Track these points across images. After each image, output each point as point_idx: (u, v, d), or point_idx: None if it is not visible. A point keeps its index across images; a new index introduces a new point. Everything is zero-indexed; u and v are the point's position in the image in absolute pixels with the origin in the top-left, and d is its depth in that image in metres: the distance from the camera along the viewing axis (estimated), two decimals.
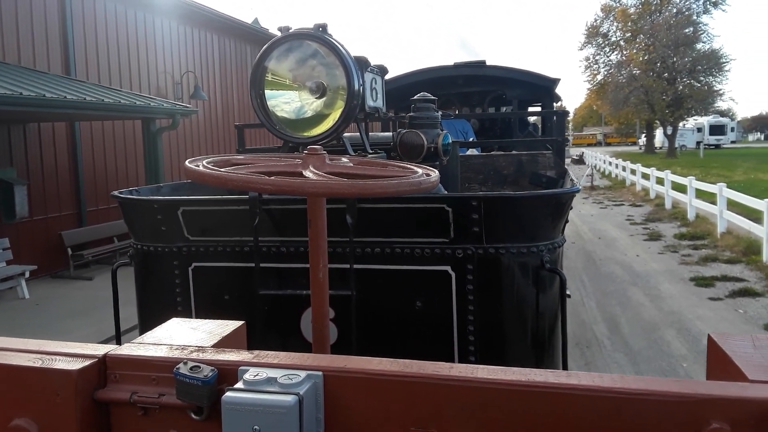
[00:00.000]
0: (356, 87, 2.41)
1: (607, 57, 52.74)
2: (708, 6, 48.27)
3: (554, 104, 8.09)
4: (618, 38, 51.60)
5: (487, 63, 7.72)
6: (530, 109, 8.82)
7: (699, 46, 46.30)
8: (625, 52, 50.24)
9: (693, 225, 14.78)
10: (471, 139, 6.77)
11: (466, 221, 2.31)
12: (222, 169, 1.60)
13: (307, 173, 1.63)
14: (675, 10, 47.52)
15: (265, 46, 2.48)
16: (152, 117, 8.85)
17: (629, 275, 10.28)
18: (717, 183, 14.19)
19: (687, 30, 45.12)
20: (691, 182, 15.41)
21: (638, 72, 45.89)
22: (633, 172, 24.98)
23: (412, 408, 1.05)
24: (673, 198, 17.81)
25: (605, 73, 52.39)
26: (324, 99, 2.47)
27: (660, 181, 19.68)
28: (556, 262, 2.51)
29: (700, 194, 15.77)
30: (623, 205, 20.22)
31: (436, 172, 1.82)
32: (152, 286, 2.84)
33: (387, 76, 3.12)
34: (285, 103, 2.54)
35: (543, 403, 0.99)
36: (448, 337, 2.39)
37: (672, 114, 45.51)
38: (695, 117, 55.86)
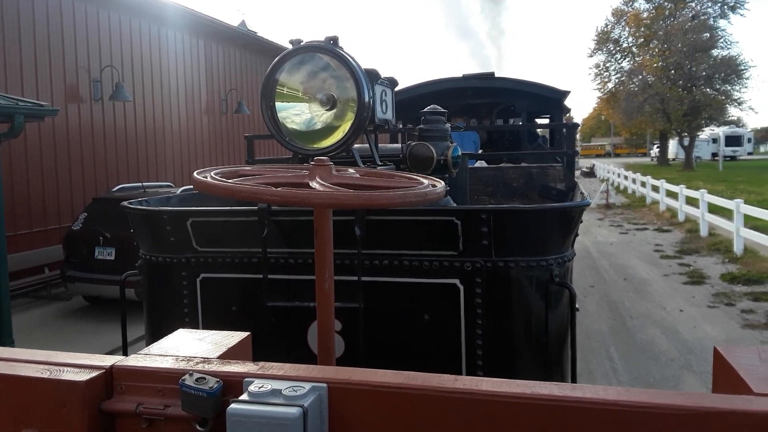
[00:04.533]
0: (366, 99, 2.43)
1: (619, 64, 50.01)
2: (725, 10, 45.52)
3: (563, 116, 8.03)
4: (630, 44, 48.82)
5: (496, 74, 7.72)
6: (539, 120, 8.67)
7: (716, 52, 43.59)
8: (637, 59, 47.40)
9: (743, 261, 11.61)
10: (480, 152, 6.87)
11: (476, 234, 2.28)
12: (229, 181, 1.61)
13: (314, 184, 1.64)
14: (691, 14, 44.65)
15: (276, 59, 2.51)
16: None
17: (677, 348, 7.21)
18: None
19: (704, 35, 42.39)
20: (739, 206, 12.16)
21: (652, 79, 43.00)
22: (655, 188, 21.70)
23: (417, 420, 1.05)
24: (709, 223, 14.64)
25: (616, 80, 49.72)
26: (334, 111, 2.48)
27: (692, 201, 16.51)
28: (565, 276, 2.48)
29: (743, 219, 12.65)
30: (647, 229, 16.99)
31: (442, 183, 1.81)
32: (160, 296, 2.83)
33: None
34: (295, 114, 2.55)
35: (548, 416, 0.99)
36: (456, 351, 2.35)
37: (689, 124, 42.51)
38: (711, 128, 53.00)
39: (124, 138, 12.83)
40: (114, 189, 10.03)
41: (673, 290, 9.98)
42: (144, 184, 10.01)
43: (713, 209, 14.79)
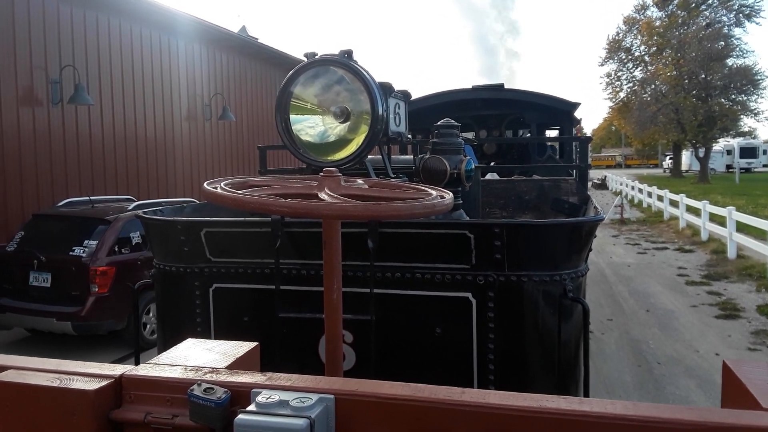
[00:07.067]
0: (380, 112, 2.45)
1: (630, 73, 48.59)
2: (741, 18, 44.11)
3: (573, 127, 7.98)
4: (642, 53, 47.43)
5: (505, 86, 7.78)
6: (548, 131, 8.57)
7: (731, 61, 42.21)
8: (650, 68, 45.98)
9: None
10: (492, 164, 7.10)
11: (488, 248, 2.27)
12: (239, 192, 1.61)
13: (323, 195, 1.64)
14: (705, 23, 43.25)
15: (291, 72, 2.54)
16: None
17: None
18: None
19: (718, 44, 41.05)
20: None
21: (666, 89, 41.60)
22: (673, 203, 20.15)
23: None
24: (737, 243, 13.19)
25: (628, 90, 48.30)
26: (348, 123, 2.51)
27: (716, 218, 15.05)
28: (578, 291, 2.45)
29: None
30: (667, 248, 15.48)
31: (450, 194, 1.80)
32: (173, 306, 2.84)
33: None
34: (309, 127, 2.58)
35: (555, 429, 0.97)
36: (468, 365, 2.34)
37: (704, 135, 41.00)
38: (727, 139, 51.45)
39: (88, 146, 11.48)
40: (59, 204, 8.80)
41: (704, 326, 8.57)
42: (92, 198, 8.74)
43: (740, 227, 13.41)
